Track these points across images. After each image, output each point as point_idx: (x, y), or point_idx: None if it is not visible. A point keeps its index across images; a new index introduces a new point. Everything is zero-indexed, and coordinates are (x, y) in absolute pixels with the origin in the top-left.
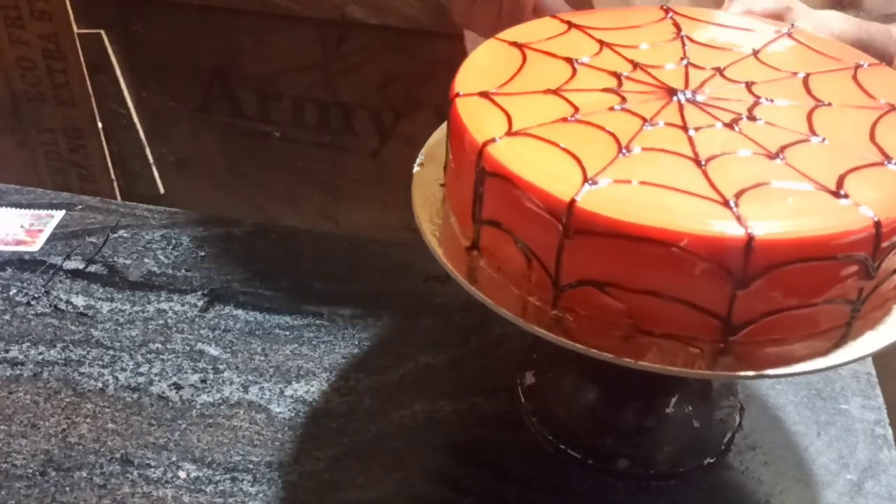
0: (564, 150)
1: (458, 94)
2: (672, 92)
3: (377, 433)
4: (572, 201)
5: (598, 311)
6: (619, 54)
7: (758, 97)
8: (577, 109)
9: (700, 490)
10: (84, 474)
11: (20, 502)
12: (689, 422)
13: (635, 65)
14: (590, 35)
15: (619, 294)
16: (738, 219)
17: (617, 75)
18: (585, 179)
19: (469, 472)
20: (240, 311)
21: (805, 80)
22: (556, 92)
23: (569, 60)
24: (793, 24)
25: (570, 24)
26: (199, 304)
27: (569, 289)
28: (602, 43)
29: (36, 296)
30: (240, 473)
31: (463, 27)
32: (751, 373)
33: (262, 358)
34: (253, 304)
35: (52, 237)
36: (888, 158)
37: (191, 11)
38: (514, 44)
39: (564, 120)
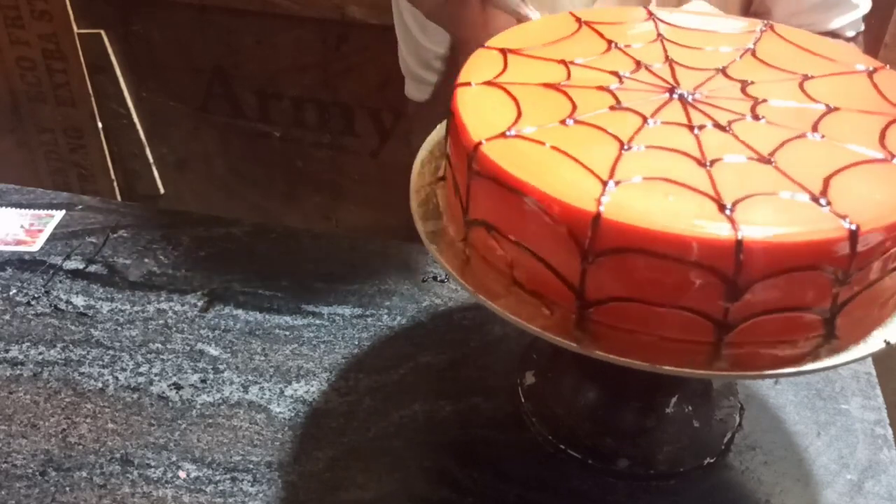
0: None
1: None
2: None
3: (377, 433)
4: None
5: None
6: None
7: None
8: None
9: (700, 490)
10: (84, 474)
11: (20, 502)
12: (689, 422)
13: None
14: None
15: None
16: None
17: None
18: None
19: (469, 472)
20: (240, 311)
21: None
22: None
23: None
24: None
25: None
26: (199, 304)
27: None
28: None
29: (36, 296)
30: (240, 473)
31: (411, 3)
32: (750, 373)
33: (262, 358)
34: (253, 304)
35: (52, 237)
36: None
37: (191, 11)
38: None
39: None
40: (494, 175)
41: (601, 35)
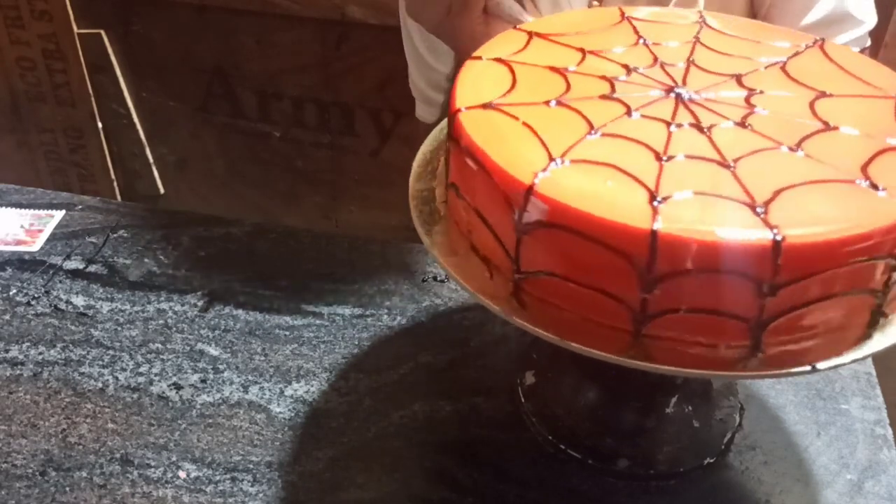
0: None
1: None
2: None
3: (377, 433)
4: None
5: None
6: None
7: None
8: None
9: (700, 490)
10: (84, 474)
11: (20, 502)
12: (689, 422)
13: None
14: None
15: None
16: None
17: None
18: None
19: (469, 472)
20: (240, 311)
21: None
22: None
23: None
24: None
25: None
26: (199, 304)
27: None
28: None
29: (36, 296)
30: (240, 473)
31: (415, 20)
32: (751, 373)
33: (262, 358)
34: (253, 304)
35: (52, 237)
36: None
37: (191, 11)
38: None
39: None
40: (460, 140)
41: (636, 30)
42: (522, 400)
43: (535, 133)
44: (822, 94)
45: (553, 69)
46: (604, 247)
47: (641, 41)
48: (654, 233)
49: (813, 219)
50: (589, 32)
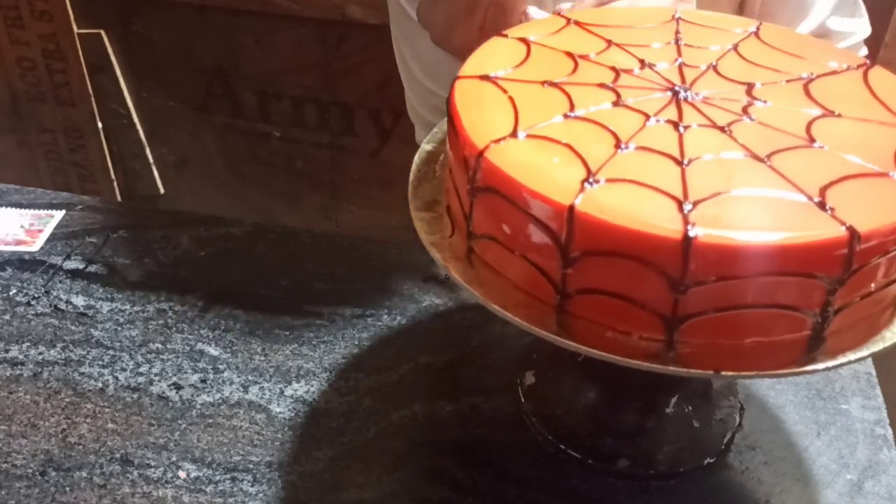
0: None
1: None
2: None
3: (377, 433)
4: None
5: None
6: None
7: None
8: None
9: (700, 490)
10: (84, 474)
11: (20, 502)
12: (689, 422)
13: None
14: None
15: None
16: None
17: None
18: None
19: (469, 472)
20: (240, 311)
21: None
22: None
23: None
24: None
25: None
26: (199, 304)
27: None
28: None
29: (36, 296)
30: (240, 473)
31: (441, 46)
32: (751, 373)
33: (262, 358)
34: (253, 304)
35: (52, 237)
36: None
37: (191, 11)
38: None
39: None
40: (449, 106)
41: (677, 32)
42: (522, 400)
43: (515, 106)
44: (830, 114)
45: (569, 54)
46: (530, 218)
47: (676, 42)
48: (571, 208)
49: (733, 222)
50: (630, 27)
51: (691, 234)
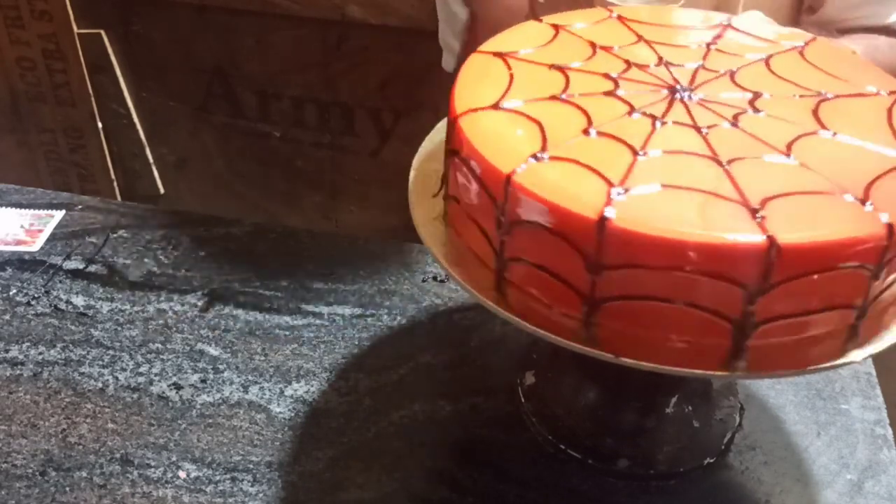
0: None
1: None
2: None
3: (377, 433)
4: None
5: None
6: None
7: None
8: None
9: (700, 490)
10: (84, 474)
11: (20, 502)
12: (689, 422)
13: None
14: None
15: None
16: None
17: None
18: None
19: (469, 472)
20: (240, 311)
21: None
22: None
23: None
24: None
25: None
26: (199, 304)
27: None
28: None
29: (36, 296)
30: (240, 473)
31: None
32: (751, 373)
33: (262, 358)
34: (253, 304)
35: (52, 237)
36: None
37: (191, 11)
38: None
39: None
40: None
41: (714, 38)
42: (522, 400)
43: (511, 83)
44: (824, 132)
45: (591, 44)
46: (478, 181)
47: (709, 46)
48: (509, 177)
49: (656, 213)
50: (676, 27)
51: (606, 215)
